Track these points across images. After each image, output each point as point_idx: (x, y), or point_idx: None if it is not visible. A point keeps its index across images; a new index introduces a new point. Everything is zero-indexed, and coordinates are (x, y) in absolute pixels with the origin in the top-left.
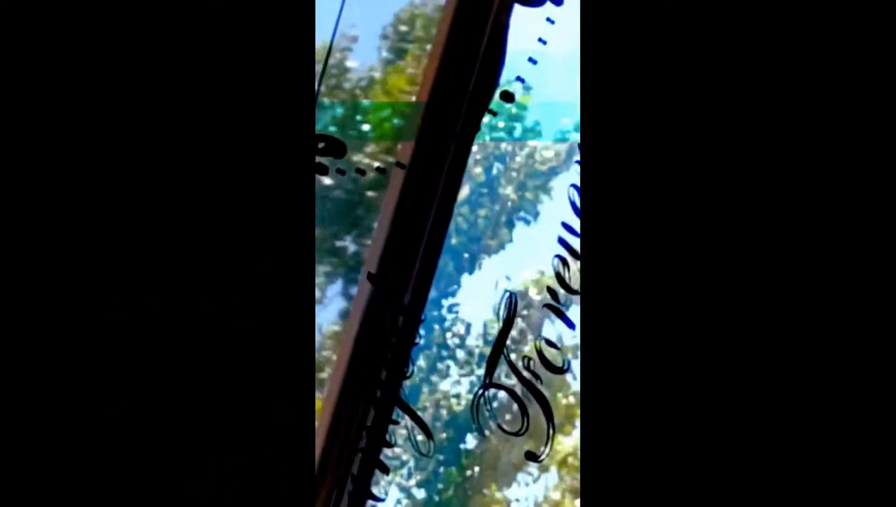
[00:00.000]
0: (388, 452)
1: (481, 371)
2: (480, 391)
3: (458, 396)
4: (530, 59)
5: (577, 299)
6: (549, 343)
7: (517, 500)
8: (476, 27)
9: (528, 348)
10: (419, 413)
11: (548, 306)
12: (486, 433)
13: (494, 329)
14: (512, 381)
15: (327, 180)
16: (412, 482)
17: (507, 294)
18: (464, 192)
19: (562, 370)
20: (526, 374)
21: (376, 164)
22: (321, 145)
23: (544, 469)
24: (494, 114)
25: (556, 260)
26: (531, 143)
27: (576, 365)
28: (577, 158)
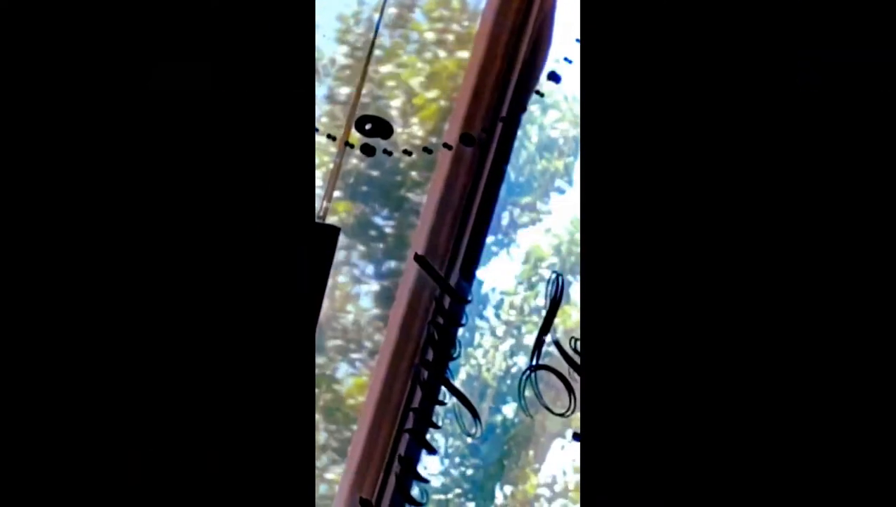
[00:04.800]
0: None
1: (511, 341)
2: (527, 373)
3: (490, 368)
4: (577, 40)
5: None
6: None
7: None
8: (523, 7)
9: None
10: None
11: None
12: (532, 413)
13: (516, 299)
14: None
15: (368, 159)
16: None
17: (555, 275)
18: None
19: None
20: (572, 354)
21: (423, 145)
22: (368, 126)
23: None
24: (541, 95)
25: None
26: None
27: None
28: None
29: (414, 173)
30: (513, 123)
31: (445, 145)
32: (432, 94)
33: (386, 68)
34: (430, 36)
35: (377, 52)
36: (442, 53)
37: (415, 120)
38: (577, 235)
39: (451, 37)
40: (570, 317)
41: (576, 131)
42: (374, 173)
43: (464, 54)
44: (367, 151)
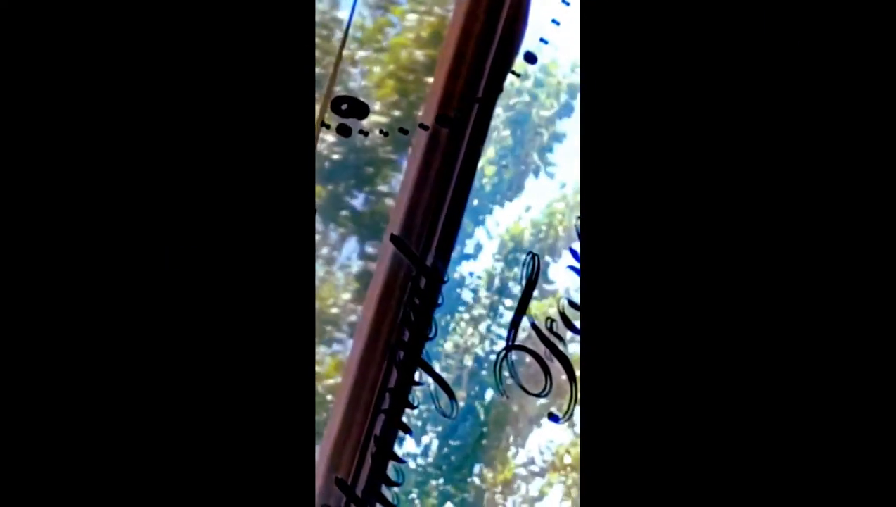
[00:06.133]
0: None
1: (487, 322)
2: (503, 353)
3: (469, 349)
4: (553, 21)
5: None
6: (572, 304)
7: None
8: None
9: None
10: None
11: (571, 267)
12: (508, 394)
13: (493, 280)
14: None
15: (337, 139)
16: (429, 437)
17: (530, 255)
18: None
19: None
20: (549, 335)
21: (392, 123)
22: (344, 107)
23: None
24: (518, 75)
25: (578, 221)
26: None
27: None
28: None
29: (385, 154)
30: (489, 104)
31: (421, 126)
32: (389, 70)
33: (360, 49)
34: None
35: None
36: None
37: (374, 98)
38: (555, 217)
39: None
40: (546, 298)
41: (552, 112)
42: (349, 154)
43: (411, 23)
44: (343, 131)
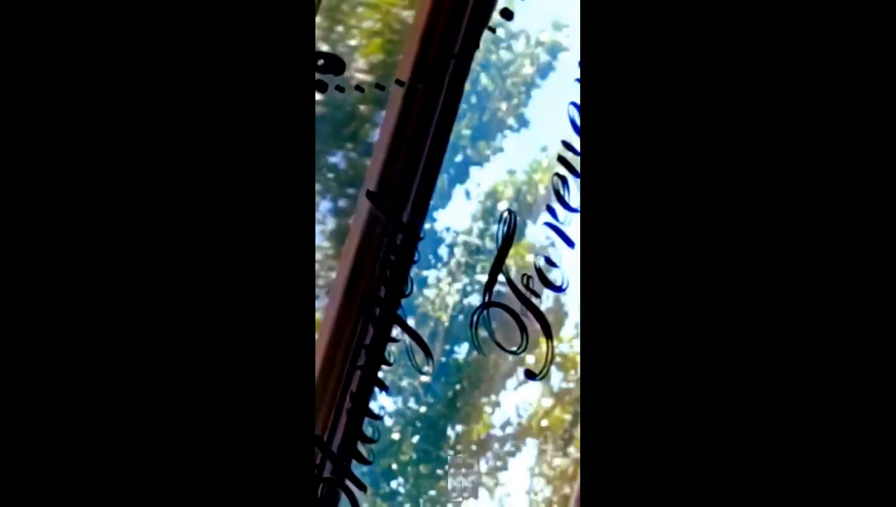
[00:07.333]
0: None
1: (465, 280)
2: (479, 310)
3: (445, 306)
4: None
5: (576, 217)
6: (549, 261)
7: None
8: None
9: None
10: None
11: (548, 224)
12: (484, 351)
13: (470, 237)
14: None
15: (319, 95)
16: (404, 393)
17: (507, 212)
18: None
19: (560, 289)
20: (525, 292)
21: (375, 81)
22: (320, 62)
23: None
24: (493, 31)
25: (556, 178)
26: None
27: (575, 284)
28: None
29: (364, 109)
30: (465, 60)
31: (398, 82)
32: (375, 27)
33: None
34: None
35: None
36: None
37: (358, 55)
38: (534, 176)
39: None
40: (523, 255)
41: (530, 69)
42: (325, 110)
43: None
44: (320, 87)
